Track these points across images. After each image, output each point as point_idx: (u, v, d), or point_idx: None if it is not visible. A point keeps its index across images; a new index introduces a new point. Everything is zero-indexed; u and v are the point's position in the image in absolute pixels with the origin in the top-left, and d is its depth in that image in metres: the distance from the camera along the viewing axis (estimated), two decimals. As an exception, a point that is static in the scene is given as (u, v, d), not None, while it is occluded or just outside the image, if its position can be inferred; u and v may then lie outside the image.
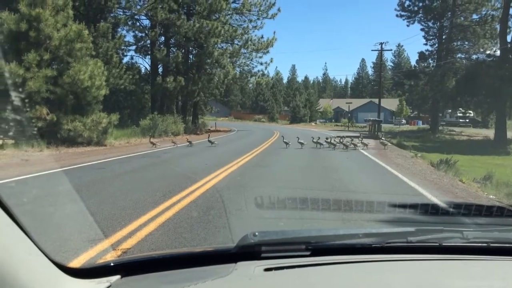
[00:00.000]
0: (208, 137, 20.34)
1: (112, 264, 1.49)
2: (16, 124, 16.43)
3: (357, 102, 77.38)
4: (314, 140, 18.07)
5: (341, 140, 18.06)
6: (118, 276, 1.38)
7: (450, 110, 53.97)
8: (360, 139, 18.79)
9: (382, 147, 18.94)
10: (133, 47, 33.20)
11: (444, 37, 44.58)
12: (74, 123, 17.46)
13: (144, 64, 36.29)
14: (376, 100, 65.45)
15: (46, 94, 16.90)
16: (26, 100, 16.45)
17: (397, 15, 46.61)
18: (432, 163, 15.36)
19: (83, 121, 17.94)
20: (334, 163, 12.92)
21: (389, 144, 19.42)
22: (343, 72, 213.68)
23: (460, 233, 1.63)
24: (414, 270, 1.48)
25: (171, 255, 1.74)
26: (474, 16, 41.56)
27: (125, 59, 33.21)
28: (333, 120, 76.08)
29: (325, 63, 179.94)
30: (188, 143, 19.12)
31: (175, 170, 10.90)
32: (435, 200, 7.02)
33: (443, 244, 1.59)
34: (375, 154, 16.07)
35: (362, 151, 17.15)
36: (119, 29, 29.84)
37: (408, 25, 46.97)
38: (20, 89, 16.37)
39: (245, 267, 1.41)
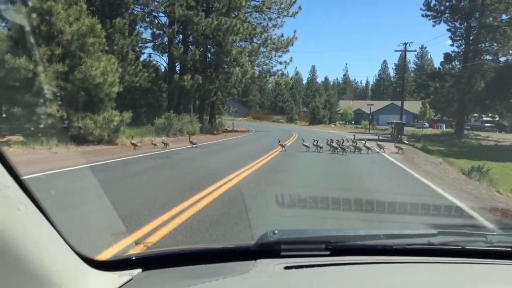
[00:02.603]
0: (189, 138, 18.99)
1: (133, 258, 1.50)
2: (25, 121, 15.92)
3: (378, 104, 75.64)
4: (314, 143, 16.63)
5: (339, 144, 16.57)
6: (139, 270, 1.39)
7: (476, 114, 52.11)
8: (363, 142, 17.27)
9: (403, 152, 17.57)
10: (151, 45, 32.64)
11: (471, 38, 42.85)
12: (85, 120, 16.85)
13: (161, 62, 35.82)
14: (397, 102, 63.81)
15: (57, 90, 16.31)
16: (36, 96, 15.93)
17: (422, 15, 45.11)
18: (463, 171, 14.26)
19: (94, 118, 17.32)
20: (356, 169, 11.90)
21: (382, 148, 17.73)
22: (364, 73, 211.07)
23: (484, 237, 1.61)
24: (436, 272, 1.43)
25: (192, 251, 1.77)
26: (504, 17, 39.92)
27: (143, 57, 32.72)
28: (353, 122, 74.54)
29: (346, 64, 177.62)
30: (163, 145, 17.21)
31: (184, 173, 10.09)
32: (481, 220, 5.94)
33: (466, 247, 1.56)
34: (401, 160, 14.95)
35: (386, 155, 16.05)
36: (137, 26, 29.38)
37: (433, 25, 45.42)
38: (30, 85, 15.86)
39: (264, 264, 1.40)
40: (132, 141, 16.35)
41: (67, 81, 16.65)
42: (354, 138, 18.20)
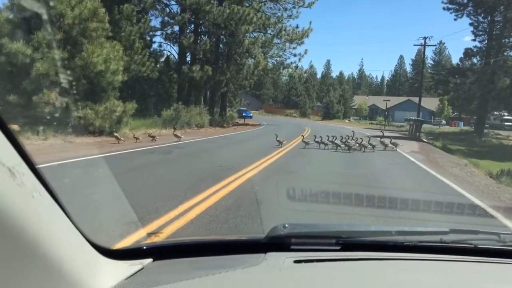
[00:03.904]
0: (174, 131, 16.80)
1: (144, 247, 1.53)
2: (21, 110, 15.05)
3: (394, 100, 73.77)
4: (316, 140, 15.43)
5: (343, 141, 15.09)
6: (150, 259, 1.41)
7: (496, 112, 50.21)
8: (359, 139, 15.51)
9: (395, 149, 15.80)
10: (162, 34, 31.56)
11: (495, 32, 40.92)
12: (85, 110, 15.89)
13: (172, 52, 34.46)
14: (414, 99, 61.95)
15: (56, 78, 15.36)
16: (33, 84, 15.05)
17: (444, 8, 43.18)
18: (491, 174, 13.00)
19: (95, 108, 16.37)
20: (374, 171, 10.68)
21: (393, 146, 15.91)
22: (379, 68, 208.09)
23: (497, 236, 1.58)
24: (448, 270, 1.41)
25: (202, 242, 1.79)
26: (530, 11, 37.88)
27: (154, 46, 31.70)
28: (367, 118, 72.87)
29: (361, 59, 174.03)
30: (151, 138, 15.58)
31: (182, 171, 9.07)
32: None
33: (479, 246, 1.53)
34: (424, 160, 13.68)
35: (406, 155, 14.80)
36: (149, 15, 28.35)
37: (455, 19, 43.38)
38: (27, 71, 14.97)
39: (274, 257, 1.40)
40: (115, 134, 14.64)
41: (68, 68, 15.70)
42: (353, 135, 16.38)
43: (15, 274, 0.87)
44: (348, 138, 15.38)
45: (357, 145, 14.91)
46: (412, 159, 13.68)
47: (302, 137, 15.70)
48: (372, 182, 8.55)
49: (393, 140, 16.45)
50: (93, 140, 15.35)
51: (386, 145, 15.68)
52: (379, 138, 16.69)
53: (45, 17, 14.69)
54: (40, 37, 15.13)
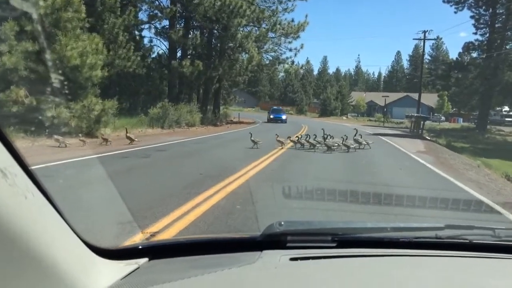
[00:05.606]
0: (126, 133, 14.61)
1: (140, 247, 1.51)
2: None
3: (392, 96, 72.45)
4: (291, 138, 14.51)
5: (318, 139, 13.98)
6: (146, 259, 1.39)
7: (498, 108, 48.94)
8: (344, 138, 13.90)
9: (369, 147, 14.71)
10: (149, 27, 30.00)
11: (497, 25, 39.55)
12: (59, 109, 14.42)
13: (164, 48, 32.73)
14: (412, 95, 60.68)
15: (25, 73, 13.90)
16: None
17: (444, 1, 41.82)
18: (508, 177, 11.66)
19: (72, 106, 14.90)
20: (384, 177, 9.28)
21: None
22: (376, 63, 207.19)
23: (492, 231, 1.56)
24: (443, 266, 1.40)
25: (198, 241, 1.80)
26: (534, 2, 36.54)
27: (144, 41, 30.18)
28: (365, 115, 71.56)
29: (358, 55, 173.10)
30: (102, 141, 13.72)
31: (156, 178, 7.65)
32: None
33: (474, 241, 1.52)
34: (434, 162, 12.25)
35: (414, 156, 13.41)
36: (141, 8, 26.91)
37: (455, 12, 41.97)
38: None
39: (270, 255, 1.40)
40: (56, 136, 12.68)
41: (39, 62, 14.22)
42: (323, 133, 14.74)
43: (9, 275, 0.86)
44: (327, 137, 13.98)
45: (336, 144, 13.59)
46: (422, 161, 12.24)
47: (277, 136, 14.18)
48: (382, 188, 7.08)
49: (363, 137, 15.48)
50: (67, 141, 13.86)
51: (360, 143, 14.69)
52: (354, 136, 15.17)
53: (14, 6, 13.25)
54: (7, 28, 13.66)
